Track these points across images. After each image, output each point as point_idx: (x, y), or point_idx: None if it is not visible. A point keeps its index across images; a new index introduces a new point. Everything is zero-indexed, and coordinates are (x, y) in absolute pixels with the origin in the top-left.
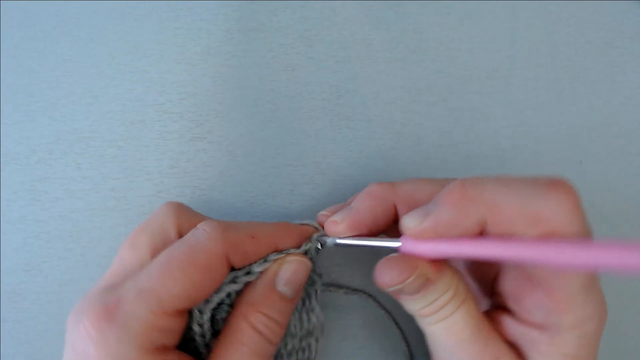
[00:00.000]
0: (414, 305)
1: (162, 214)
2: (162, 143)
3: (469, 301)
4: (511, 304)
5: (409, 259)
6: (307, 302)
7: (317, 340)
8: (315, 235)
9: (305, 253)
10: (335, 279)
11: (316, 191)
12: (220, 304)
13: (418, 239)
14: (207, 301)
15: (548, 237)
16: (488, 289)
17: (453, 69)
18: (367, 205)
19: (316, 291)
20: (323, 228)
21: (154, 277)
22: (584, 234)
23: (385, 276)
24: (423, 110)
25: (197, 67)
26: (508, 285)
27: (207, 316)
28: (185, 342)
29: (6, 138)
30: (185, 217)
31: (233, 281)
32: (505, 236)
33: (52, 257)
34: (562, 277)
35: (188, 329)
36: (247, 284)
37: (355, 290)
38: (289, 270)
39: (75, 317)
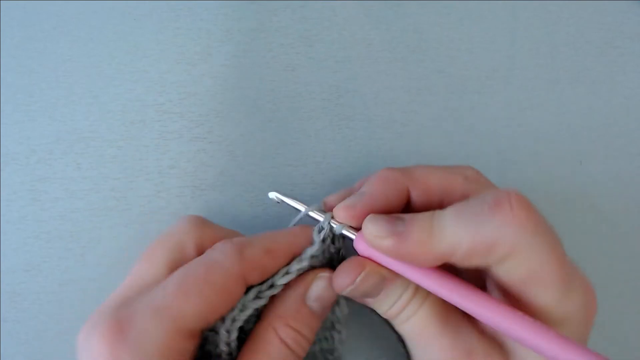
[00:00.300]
0: (380, 308)
1: (181, 228)
2: (162, 143)
3: (433, 296)
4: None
5: (356, 261)
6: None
7: (339, 332)
8: (321, 225)
9: (323, 253)
10: None
11: (316, 191)
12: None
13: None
14: (233, 320)
15: (505, 259)
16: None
17: (453, 69)
18: (380, 189)
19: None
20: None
21: (169, 296)
22: (540, 244)
23: (337, 280)
24: (423, 110)
25: (197, 67)
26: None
27: (234, 335)
28: (205, 355)
29: (6, 138)
30: (205, 232)
31: (258, 297)
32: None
33: (52, 257)
34: (534, 289)
35: (214, 346)
36: (273, 296)
37: None
38: (320, 287)
39: (87, 330)
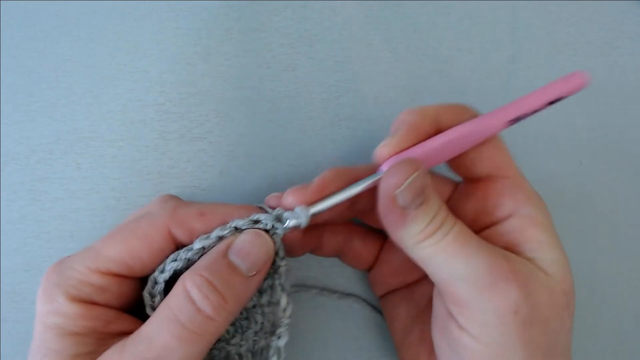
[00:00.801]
0: (419, 225)
1: (151, 201)
2: (162, 143)
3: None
4: (482, 219)
5: (407, 160)
6: (273, 294)
7: (279, 338)
8: (276, 210)
9: (267, 231)
10: (328, 284)
11: None
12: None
13: (396, 152)
14: (155, 282)
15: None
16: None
17: (453, 69)
18: (326, 175)
19: (281, 278)
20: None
21: (100, 240)
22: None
23: (387, 179)
24: None
25: (197, 67)
26: (473, 205)
27: (159, 287)
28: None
29: (6, 138)
30: (168, 198)
31: (174, 259)
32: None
33: (52, 257)
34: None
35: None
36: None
37: (348, 294)
38: (243, 240)
39: None
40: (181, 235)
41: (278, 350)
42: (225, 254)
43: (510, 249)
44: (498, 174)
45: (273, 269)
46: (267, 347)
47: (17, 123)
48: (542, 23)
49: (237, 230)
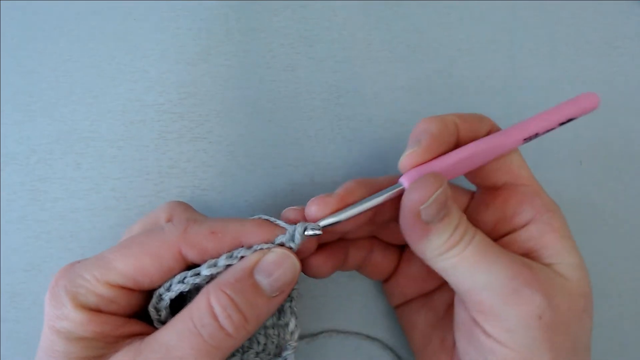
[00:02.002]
0: (441, 238)
1: (159, 207)
2: (162, 143)
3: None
4: (500, 227)
5: (432, 175)
6: (281, 316)
7: None
8: (299, 224)
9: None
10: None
11: (316, 191)
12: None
13: (420, 163)
14: (159, 298)
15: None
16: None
17: (453, 69)
18: (350, 185)
19: (291, 302)
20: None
21: (111, 251)
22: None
23: (412, 194)
24: (423, 110)
25: (197, 67)
26: (492, 214)
27: (164, 303)
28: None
29: (6, 138)
30: (180, 211)
31: (181, 282)
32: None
33: (52, 257)
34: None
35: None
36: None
37: (368, 337)
38: (270, 259)
39: None
40: (192, 256)
41: None
42: (251, 273)
43: (529, 255)
44: (516, 182)
45: None
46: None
47: (17, 123)
48: (542, 23)
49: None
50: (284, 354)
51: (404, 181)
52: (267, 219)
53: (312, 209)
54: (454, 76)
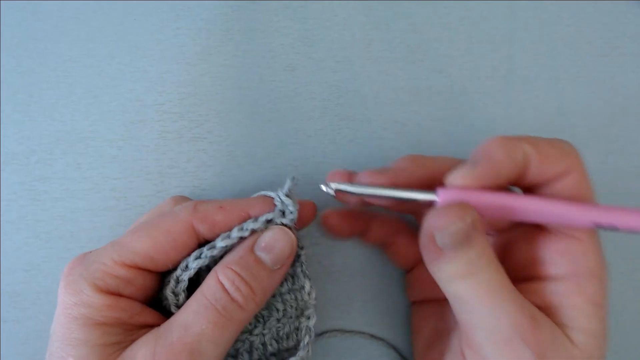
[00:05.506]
0: (451, 267)
1: (163, 202)
2: (162, 143)
3: (497, 262)
4: (532, 269)
5: (462, 207)
6: (295, 281)
7: (308, 318)
8: (289, 183)
9: (283, 214)
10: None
11: (316, 191)
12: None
13: (466, 188)
14: (177, 281)
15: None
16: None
17: (453, 69)
18: (406, 164)
19: (302, 266)
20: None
21: (125, 236)
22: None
23: (435, 218)
24: (423, 110)
25: (197, 67)
26: (529, 250)
27: (183, 285)
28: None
29: (6, 138)
30: (191, 200)
31: (198, 257)
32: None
33: (52, 257)
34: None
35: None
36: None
37: (372, 336)
38: (267, 236)
39: None
40: (204, 229)
41: (309, 329)
42: (252, 249)
43: (546, 309)
44: (569, 232)
45: (294, 258)
46: (296, 329)
47: (17, 123)
48: (542, 23)
49: (254, 231)
50: (306, 312)
51: (439, 196)
52: (269, 195)
53: (361, 175)
54: (454, 76)
